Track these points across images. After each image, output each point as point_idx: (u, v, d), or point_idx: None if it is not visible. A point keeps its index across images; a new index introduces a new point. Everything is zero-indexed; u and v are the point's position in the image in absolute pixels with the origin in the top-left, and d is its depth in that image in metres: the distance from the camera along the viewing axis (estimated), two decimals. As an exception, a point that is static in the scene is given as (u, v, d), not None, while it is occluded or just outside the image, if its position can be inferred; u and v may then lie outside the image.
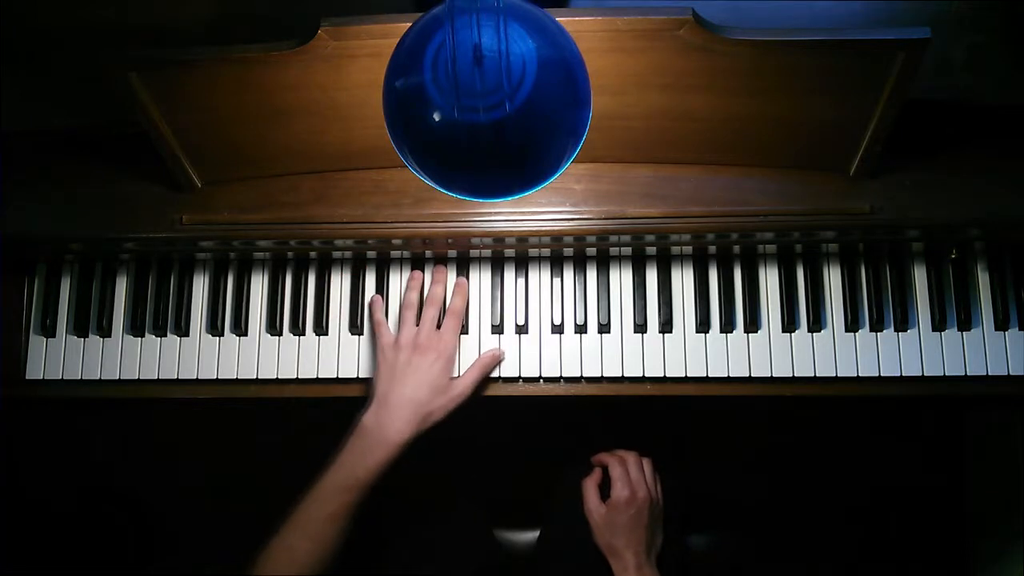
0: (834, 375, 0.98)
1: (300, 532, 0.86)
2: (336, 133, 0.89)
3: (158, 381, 1.03)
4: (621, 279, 1.02)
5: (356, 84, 0.82)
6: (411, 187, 0.92)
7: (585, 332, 1.01)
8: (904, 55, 0.76)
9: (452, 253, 1.02)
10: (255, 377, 1.02)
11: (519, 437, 1.46)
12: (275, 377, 1.02)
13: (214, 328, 1.03)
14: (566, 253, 1.02)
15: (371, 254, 1.03)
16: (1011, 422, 1.32)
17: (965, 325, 0.98)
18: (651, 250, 1.02)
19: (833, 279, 1.01)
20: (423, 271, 1.03)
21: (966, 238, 0.99)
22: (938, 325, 0.98)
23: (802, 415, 1.46)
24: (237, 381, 1.02)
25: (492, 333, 1.01)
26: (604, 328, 1.01)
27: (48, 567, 1.47)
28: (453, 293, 1.00)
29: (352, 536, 0.88)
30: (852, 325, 0.99)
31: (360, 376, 1.01)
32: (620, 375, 0.99)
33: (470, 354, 1.00)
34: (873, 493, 1.46)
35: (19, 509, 1.46)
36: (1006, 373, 0.97)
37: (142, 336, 1.04)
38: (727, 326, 1.00)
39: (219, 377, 1.02)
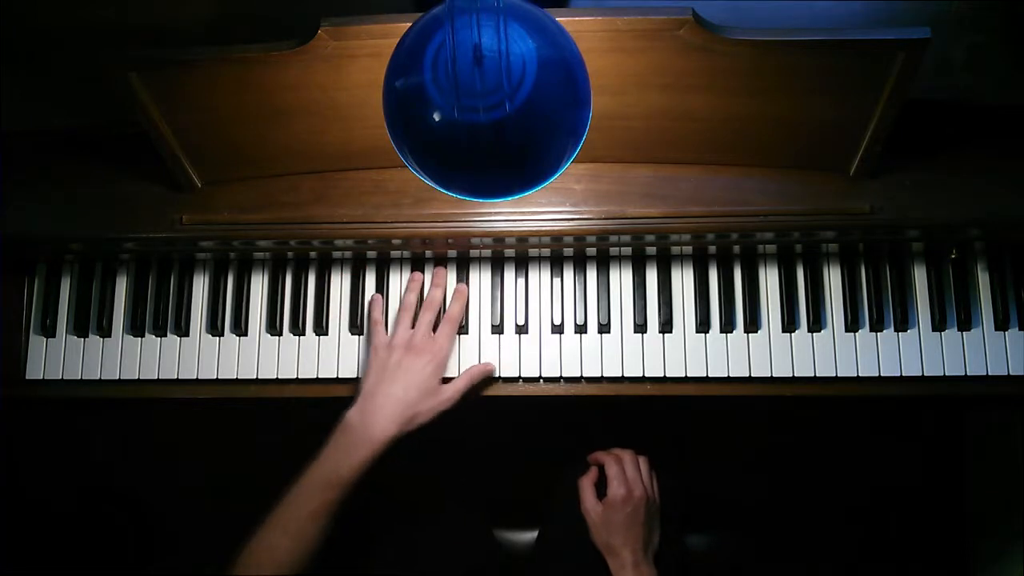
0: (834, 375, 0.98)
1: (281, 530, 0.86)
2: (336, 133, 0.89)
3: (158, 381, 1.03)
4: (621, 279, 1.02)
5: (356, 84, 0.82)
6: (411, 187, 0.92)
7: (585, 332, 1.01)
8: (904, 55, 0.76)
9: (452, 253, 1.02)
10: (255, 377, 1.02)
11: (519, 437, 1.46)
12: (275, 377, 1.02)
13: (214, 328, 1.03)
14: (566, 253, 1.02)
15: (371, 254, 1.03)
16: (1011, 422, 1.32)
17: (965, 325, 0.98)
18: (651, 250, 1.02)
19: (833, 279, 1.01)
20: (423, 271, 1.03)
21: (966, 238, 0.99)
22: (938, 325, 0.98)
23: (802, 415, 1.46)
24: (237, 381, 1.02)
25: (492, 333, 1.01)
26: (604, 328, 1.01)
27: (48, 567, 1.47)
28: (452, 299, 1.00)
29: (338, 534, 0.88)
30: (852, 325, 0.99)
31: (360, 376, 1.01)
32: (620, 375, 0.99)
33: (470, 354, 1.00)
34: (873, 493, 1.46)
35: (19, 509, 1.46)
36: (1006, 373, 0.97)
37: (142, 336, 1.04)
38: (727, 326, 1.00)
39: (219, 377, 1.02)
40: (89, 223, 0.95)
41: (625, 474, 0.98)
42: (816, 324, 0.99)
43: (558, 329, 1.01)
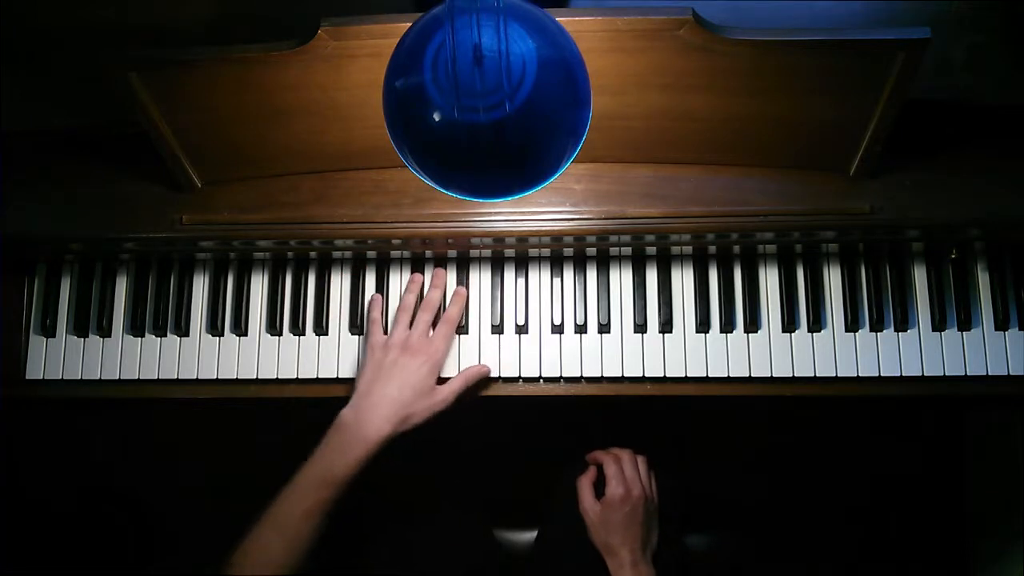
0: (834, 375, 0.98)
1: (275, 529, 0.85)
2: (336, 133, 0.89)
3: (158, 381, 1.03)
4: (621, 279, 1.02)
5: (356, 84, 0.82)
6: (411, 187, 0.92)
7: (585, 332, 1.01)
8: (904, 55, 0.76)
9: (452, 253, 1.02)
10: (255, 377, 1.02)
11: (519, 437, 1.46)
12: (275, 377, 1.02)
13: (214, 328, 1.03)
14: (566, 253, 1.02)
15: (371, 254, 1.03)
16: (1011, 422, 1.32)
17: (965, 325, 0.98)
18: (651, 250, 1.02)
19: (833, 279, 1.01)
20: (423, 272, 1.03)
21: (966, 238, 0.99)
22: (938, 325, 0.98)
23: (802, 415, 1.46)
24: (237, 381, 1.02)
25: (492, 333, 1.01)
26: (604, 328, 1.01)
27: (48, 567, 1.47)
28: (451, 301, 1.00)
29: (333, 534, 0.88)
30: (852, 325, 0.99)
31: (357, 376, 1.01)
32: (620, 375, 0.99)
33: (470, 354, 1.00)
34: (873, 493, 1.46)
35: (19, 509, 1.46)
36: (1006, 373, 0.97)
37: (142, 336, 1.04)
38: (727, 326, 1.00)
39: (219, 377, 1.02)
40: (89, 223, 0.95)
41: (624, 473, 0.98)
42: (816, 324, 0.99)
43: (558, 329, 1.01)
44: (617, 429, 1.41)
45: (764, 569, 1.43)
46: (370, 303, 1.00)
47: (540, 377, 1.01)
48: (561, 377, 1.00)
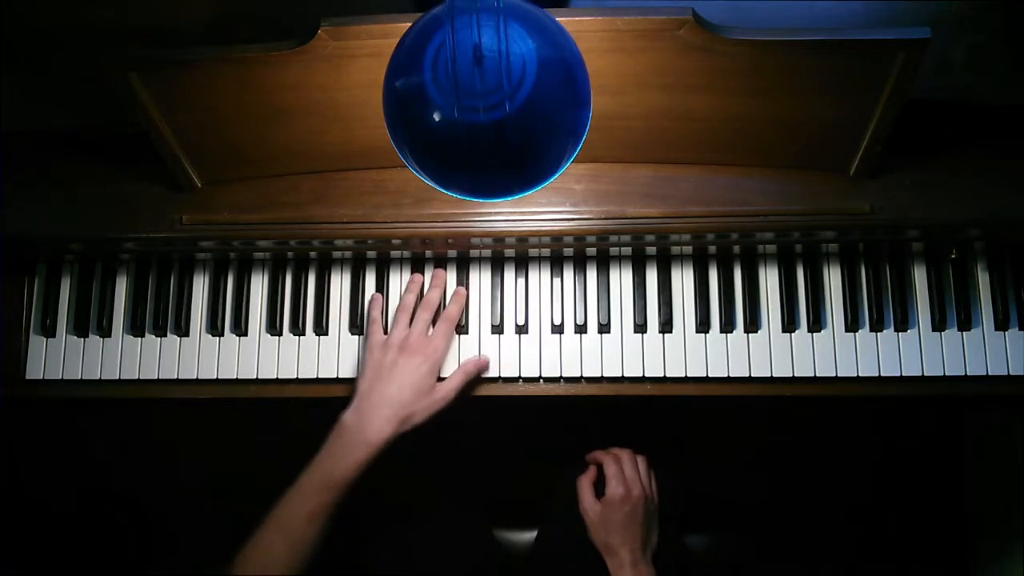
0: (834, 375, 0.98)
1: (278, 532, 0.86)
2: (336, 133, 0.89)
3: (158, 381, 1.03)
4: (621, 279, 1.02)
5: (356, 84, 0.82)
6: (411, 187, 0.92)
7: (585, 332, 1.01)
8: (904, 55, 0.76)
9: (452, 253, 1.02)
10: (255, 377, 1.02)
11: (519, 437, 1.46)
12: (275, 377, 1.02)
13: (214, 328, 1.03)
14: (566, 253, 1.02)
15: (371, 254, 1.03)
16: (1011, 422, 1.32)
17: (965, 325, 0.98)
18: (651, 250, 1.02)
19: (833, 279, 1.01)
20: (423, 272, 1.03)
21: (966, 238, 0.99)
22: (938, 325, 0.98)
23: (802, 415, 1.46)
24: (237, 381, 1.02)
25: (492, 333, 1.01)
26: (604, 328, 1.01)
27: (48, 567, 1.47)
28: (450, 300, 1.00)
29: (333, 535, 0.88)
30: (852, 325, 0.99)
31: (358, 376, 1.01)
32: (620, 375, 0.99)
33: (470, 354, 1.00)
34: (873, 493, 1.46)
35: (19, 509, 1.46)
36: (1006, 373, 0.97)
37: (142, 336, 1.04)
38: (727, 326, 1.00)
39: (219, 377, 1.02)
40: (89, 223, 0.95)
41: (623, 473, 0.98)
42: (816, 324, 0.99)
43: (558, 329, 1.01)
44: (617, 429, 1.41)
45: (764, 569, 1.43)
46: (370, 303, 1.00)
47: (540, 377, 1.01)
48: (561, 377, 1.00)
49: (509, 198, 0.82)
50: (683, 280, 1.01)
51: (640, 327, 1.00)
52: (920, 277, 1.00)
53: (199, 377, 1.02)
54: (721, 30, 0.76)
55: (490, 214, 0.92)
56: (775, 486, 1.46)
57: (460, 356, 1.00)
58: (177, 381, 1.03)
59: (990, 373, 0.97)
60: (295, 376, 1.02)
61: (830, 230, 0.95)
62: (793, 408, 1.43)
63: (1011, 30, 0.91)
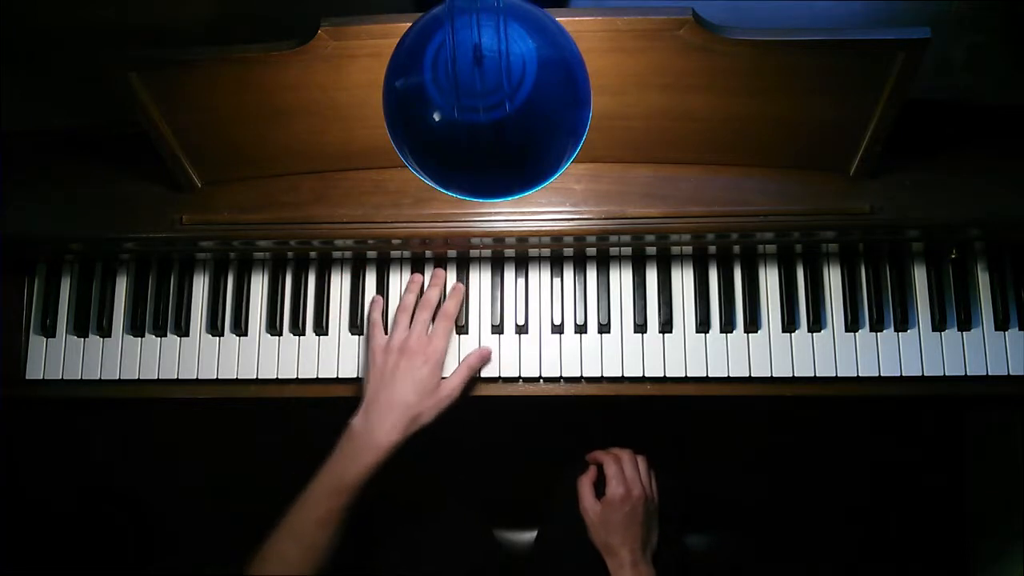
0: (834, 375, 0.98)
1: (291, 538, 0.86)
2: (336, 133, 0.89)
3: (158, 381, 1.03)
4: (621, 279, 1.02)
5: (356, 84, 0.82)
6: (411, 187, 0.92)
7: (585, 332, 1.01)
8: (904, 55, 0.76)
9: (452, 253, 1.02)
10: (255, 377, 1.02)
11: (519, 437, 1.46)
12: (275, 377, 1.02)
13: (214, 328, 1.03)
14: (566, 253, 1.02)
15: (371, 254, 1.03)
16: (1011, 422, 1.32)
17: (965, 325, 0.98)
18: (651, 250, 1.02)
19: (833, 279, 1.01)
20: (423, 272, 1.03)
21: (966, 238, 0.99)
22: (938, 325, 0.98)
23: (802, 415, 1.46)
24: (237, 381, 1.02)
25: (492, 333, 1.01)
26: (604, 328, 1.01)
27: (48, 567, 1.47)
28: (448, 296, 1.00)
29: (343, 538, 0.88)
30: (852, 325, 0.99)
31: (360, 376, 1.01)
32: (620, 375, 0.99)
33: (470, 354, 1.00)
34: (873, 493, 1.46)
35: (19, 509, 1.46)
36: (1006, 373, 0.97)
37: (142, 336, 1.04)
38: (727, 326, 1.00)
39: (219, 377, 1.02)
40: (89, 223, 0.95)
41: (624, 473, 0.98)
42: (816, 324, 0.99)
43: (558, 329, 1.01)
44: (617, 429, 1.41)
45: (764, 569, 1.43)
46: (370, 305, 1.00)
47: (540, 377, 1.00)
48: (561, 377, 1.00)
49: (509, 198, 0.82)
50: (683, 280, 1.01)
51: (640, 327, 1.00)
52: (920, 277, 1.00)
53: (199, 377, 1.02)
54: (721, 30, 0.76)
55: (490, 214, 0.92)
56: (775, 486, 1.46)
57: (460, 356, 1.00)
58: (177, 381, 1.03)
59: (990, 373, 0.97)
60: (295, 376, 1.01)
61: (830, 230, 0.95)
62: (793, 408, 1.43)
63: (1011, 30, 0.91)
